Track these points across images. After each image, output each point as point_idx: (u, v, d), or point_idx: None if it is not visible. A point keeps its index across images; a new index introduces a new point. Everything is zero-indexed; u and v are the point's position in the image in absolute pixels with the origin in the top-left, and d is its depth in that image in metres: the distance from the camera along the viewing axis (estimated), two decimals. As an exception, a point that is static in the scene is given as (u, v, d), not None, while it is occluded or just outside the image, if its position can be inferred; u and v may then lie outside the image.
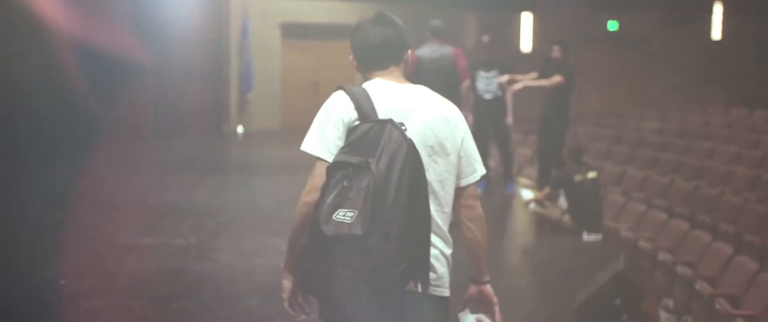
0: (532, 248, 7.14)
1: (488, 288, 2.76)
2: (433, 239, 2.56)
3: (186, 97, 13.64)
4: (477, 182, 2.71)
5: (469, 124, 2.62)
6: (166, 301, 5.09)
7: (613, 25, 16.97)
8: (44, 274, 5.57)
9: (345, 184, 2.38)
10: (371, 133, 2.47)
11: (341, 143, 2.51)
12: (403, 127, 2.49)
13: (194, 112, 13.65)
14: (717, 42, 16.94)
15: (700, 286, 6.33)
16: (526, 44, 16.47)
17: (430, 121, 2.61)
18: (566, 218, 7.33)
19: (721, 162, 10.62)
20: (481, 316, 2.71)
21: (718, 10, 16.65)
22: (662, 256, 7.10)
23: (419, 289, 2.51)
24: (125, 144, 11.98)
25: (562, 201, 7.61)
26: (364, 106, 2.55)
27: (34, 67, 9.34)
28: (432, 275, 2.56)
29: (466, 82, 7.39)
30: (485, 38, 9.36)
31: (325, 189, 2.42)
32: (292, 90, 15.38)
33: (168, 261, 5.97)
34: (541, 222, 7.52)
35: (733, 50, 16.62)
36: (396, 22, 2.81)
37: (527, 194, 7.93)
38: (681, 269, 6.62)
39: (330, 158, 2.51)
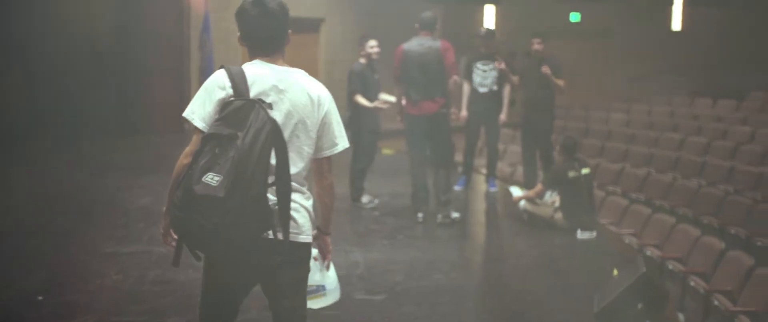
0: (526, 247, 6.96)
1: (327, 239, 3.34)
2: (295, 196, 2.99)
3: (147, 94, 13.25)
4: (331, 157, 3.15)
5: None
6: (156, 316, 4.80)
7: (575, 17, 16.96)
8: (20, 288, 5.26)
9: (216, 151, 2.78)
10: (242, 110, 2.86)
11: (216, 116, 2.89)
12: (269, 108, 2.90)
13: (155, 109, 13.25)
14: (677, 33, 17.03)
15: (695, 282, 6.27)
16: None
17: (297, 101, 3.00)
18: (559, 215, 7.18)
19: (693, 154, 10.63)
20: (318, 256, 3.36)
21: (678, 1, 16.73)
22: (651, 251, 7.04)
23: (280, 237, 2.93)
24: (87, 143, 11.58)
25: (548, 197, 7.46)
26: (239, 86, 2.94)
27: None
28: (294, 226, 3.01)
29: (454, 78, 7.13)
30: (483, 30, 9.16)
31: (198, 154, 2.81)
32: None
33: (151, 271, 5.67)
34: (533, 220, 7.35)
35: (693, 41, 16.73)
36: (276, 9, 3.06)
37: (516, 191, 7.75)
38: (682, 273, 6.53)
39: (205, 128, 2.91)
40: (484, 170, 9.49)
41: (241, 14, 3.07)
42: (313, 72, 13.82)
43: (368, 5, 15.54)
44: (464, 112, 8.53)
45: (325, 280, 3.42)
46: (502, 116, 8.73)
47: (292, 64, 12.13)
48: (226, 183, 2.72)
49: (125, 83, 13.26)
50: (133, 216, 7.35)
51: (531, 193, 7.46)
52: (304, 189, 3.09)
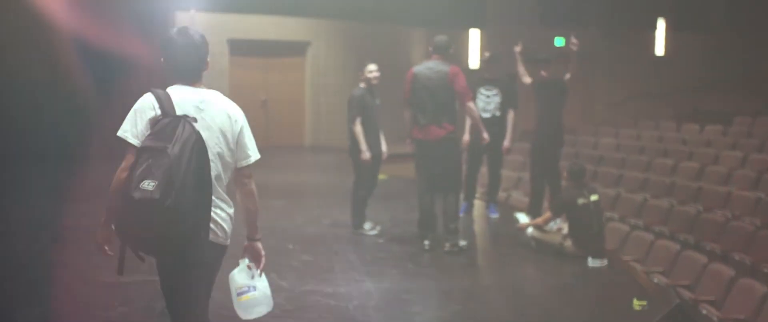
0: (539, 276, 6.83)
1: (258, 245, 3.69)
2: (218, 202, 3.46)
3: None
4: (250, 165, 3.57)
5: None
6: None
7: (559, 42, 16.97)
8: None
9: (150, 162, 3.17)
10: (170, 126, 3.26)
11: (147, 132, 3.30)
12: (194, 122, 3.31)
13: (141, 133, 13.04)
14: (661, 57, 17.12)
15: (707, 311, 6.19)
16: (473, 61, 16.33)
17: (216, 118, 3.45)
18: (568, 243, 7.06)
19: (687, 179, 10.61)
20: (251, 264, 3.68)
21: (661, 26, 16.83)
22: (659, 278, 6.96)
23: (207, 238, 3.37)
24: (73, 167, 11.29)
25: (554, 224, 7.35)
26: (165, 105, 3.36)
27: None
28: (216, 229, 3.46)
29: (469, 104, 7.03)
30: (487, 55, 9.05)
31: (134, 166, 3.22)
32: (241, 109, 14.88)
33: (158, 301, 5.43)
34: (541, 248, 7.23)
35: (677, 65, 16.81)
36: (199, 40, 3.55)
37: (523, 218, 7.63)
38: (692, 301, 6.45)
39: (138, 143, 3.31)
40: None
41: (168, 43, 3.50)
42: (298, 96, 13.74)
43: (355, 29, 15.47)
44: (467, 137, 8.42)
45: (255, 281, 3.71)
46: (506, 143, 8.62)
47: (278, 88, 12.05)
48: (161, 187, 3.11)
49: (109, 108, 13.03)
50: (128, 244, 7.12)
51: (539, 220, 7.34)
52: (227, 197, 3.55)
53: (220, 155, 3.44)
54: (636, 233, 8.39)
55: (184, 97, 3.42)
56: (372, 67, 7.67)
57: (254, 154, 3.60)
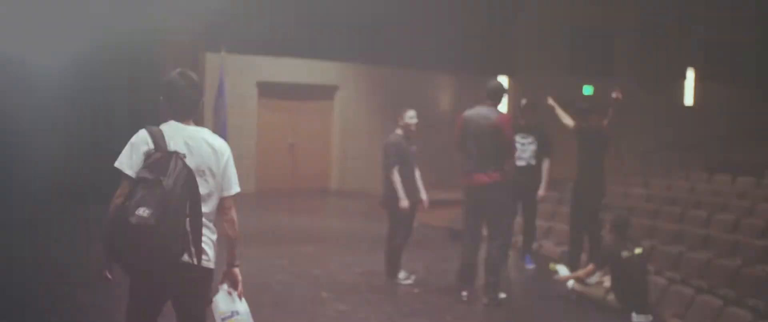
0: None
1: (236, 270, 3.99)
2: (205, 231, 3.77)
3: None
4: (231, 196, 3.89)
5: None
6: None
7: (588, 90, 16.92)
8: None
9: (145, 192, 3.50)
10: (163, 160, 3.62)
11: (142, 165, 3.63)
12: (184, 158, 3.66)
13: (169, 175, 12.96)
14: (689, 107, 17.00)
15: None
16: (502, 107, 16.25)
17: (204, 153, 3.79)
18: (611, 297, 6.88)
19: (723, 231, 10.41)
20: (231, 289, 3.97)
21: (690, 76, 16.74)
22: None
23: (194, 262, 3.70)
24: (94, 207, 11.20)
25: (593, 277, 7.18)
26: (159, 142, 3.71)
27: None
28: (204, 254, 3.77)
29: (545, 160, 6.88)
30: (523, 102, 8.89)
31: (132, 194, 3.53)
32: (268, 152, 14.82)
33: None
34: (583, 301, 7.05)
35: (706, 116, 16.68)
36: (196, 83, 3.90)
37: (563, 271, 7.47)
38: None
39: (133, 175, 3.64)
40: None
41: (170, 84, 3.82)
42: (325, 139, 13.55)
43: (383, 74, 15.46)
44: None
45: (237, 306, 3.98)
46: (541, 191, 8.48)
47: (306, 131, 11.90)
48: (156, 214, 3.45)
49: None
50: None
51: (581, 273, 7.17)
52: (211, 225, 3.87)
53: (206, 186, 3.78)
54: (675, 287, 8.19)
55: (175, 134, 3.78)
56: (411, 113, 7.57)
57: (236, 188, 3.93)
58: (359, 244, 9.76)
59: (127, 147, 3.73)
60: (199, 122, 4.04)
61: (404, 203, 7.33)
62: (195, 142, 3.76)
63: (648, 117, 16.69)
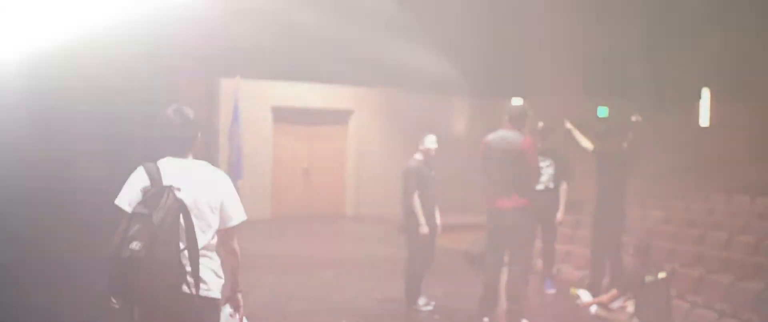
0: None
1: (238, 296, 4.17)
2: (204, 261, 3.87)
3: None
4: (233, 227, 3.97)
5: None
6: None
7: (602, 112, 16.84)
8: None
9: (138, 226, 3.66)
10: (156, 195, 3.76)
11: (139, 199, 3.77)
12: (178, 191, 3.78)
13: (184, 202, 12.96)
14: (705, 128, 16.88)
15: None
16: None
17: (200, 185, 3.89)
18: (635, 322, 6.81)
19: (744, 253, 10.29)
20: (233, 312, 4.14)
21: (705, 96, 16.64)
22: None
23: (193, 291, 3.79)
24: (106, 234, 11.18)
25: (618, 302, 7.09)
26: (154, 177, 3.85)
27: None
28: (204, 284, 3.86)
29: (562, 183, 6.80)
30: (541, 125, 8.82)
31: (126, 229, 3.68)
32: (283, 177, 14.80)
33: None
34: (608, 327, 6.98)
35: (722, 136, 16.55)
36: (192, 119, 4.01)
37: (585, 296, 7.38)
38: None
39: (129, 210, 3.78)
40: None
41: (165, 122, 3.95)
42: (340, 164, 13.51)
43: (397, 98, 15.45)
44: None
45: None
46: (560, 215, 8.41)
47: (320, 156, 11.88)
48: (146, 247, 3.59)
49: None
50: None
51: (604, 298, 7.09)
52: (213, 255, 3.97)
53: (203, 219, 3.89)
54: (698, 311, 8.08)
55: (172, 168, 3.91)
56: (431, 137, 7.54)
57: (238, 217, 4.00)
58: (377, 270, 9.70)
59: (126, 184, 3.92)
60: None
61: (424, 229, 7.28)
62: (192, 175, 3.88)
63: (663, 138, 16.57)
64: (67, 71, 11.04)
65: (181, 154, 3.94)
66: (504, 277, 6.97)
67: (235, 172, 13.79)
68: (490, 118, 16.62)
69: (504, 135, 6.81)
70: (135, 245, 3.58)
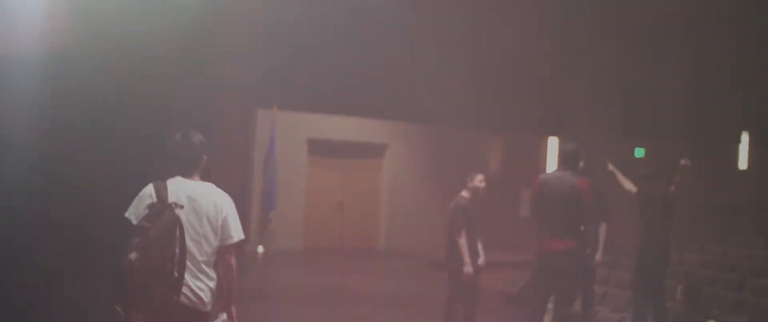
0: None
1: (232, 309, 4.30)
2: (199, 275, 4.15)
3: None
4: (232, 244, 4.25)
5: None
6: None
7: (639, 153, 16.67)
8: None
9: (139, 239, 3.95)
10: (158, 211, 4.07)
11: (145, 214, 4.07)
12: (180, 208, 4.10)
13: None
14: (744, 171, 16.64)
15: None
16: (551, 169, 16.06)
17: (204, 204, 4.20)
18: (681, 371, 6.61)
19: (786, 301, 10.05)
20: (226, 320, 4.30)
21: (745, 140, 16.42)
22: None
23: (181, 300, 4.06)
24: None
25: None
26: (161, 193, 4.16)
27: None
28: (195, 297, 4.13)
29: (602, 224, 6.65)
30: (581, 164, 8.67)
31: (129, 241, 3.96)
32: (316, 209, 14.76)
33: None
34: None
35: (761, 180, 16.31)
36: (196, 141, 4.33)
37: (627, 340, 7.21)
38: None
39: (136, 222, 4.09)
40: None
41: (172, 144, 4.30)
42: (375, 198, 13.35)
43: (433, 133, 15.39)
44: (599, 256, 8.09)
45: None
46: (598, 256, 8.26)
47: (355, 191, 11.87)
48: (141, 259, 3.88)
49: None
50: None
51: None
52: (209, 271, 4.21)
53: (204, 236, 4.18)
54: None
55: (179, 188, 4.23)
56: (480, 176, 7.50)
57: (237, 235, 4.28)
58: (413, 307, 9.57)
59: (136, 199, 4.26)
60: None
61: (469, 268, 7.18)
62: (197, 195, 4.21)
63: (702, 181, 16.33)
64: (107, 102, 11.10)
65: (188, 174, 4.26)
66: (547, 318, 6.83)
67: (269, 202, 13.79)
68: (526, 156, 16.55)
69: (560, 176, 6.70)
70: (133, 256, 3.88)
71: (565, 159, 6.77)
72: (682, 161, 7.97)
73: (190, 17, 10.02)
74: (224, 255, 4.24)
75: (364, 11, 13.16)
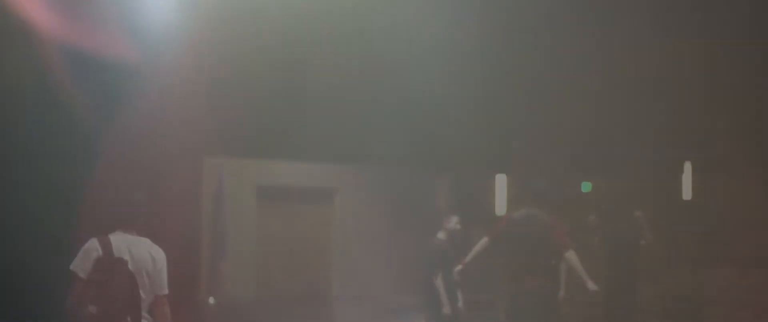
0: None
1: None
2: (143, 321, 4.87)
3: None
4: (165, 294, 5.09)
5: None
6: None
7: (586, 187, 16.81)
8: None
9: (94, 291, 4.46)
10: (108, 265, 4.60)
11: (91, 267, 4.64)
12: (127, 264, 4.76)
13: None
14: (688, 201, 16.89)
15: None
16: (500, 207, 16.08)
17: (143, 259, 4.90)
18: None
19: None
20: None
21: (687, 170, 16.68)
22: None
23: None
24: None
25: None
26: (106, 248, 4.73)
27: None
28: None
29: (567, 253, 6.67)
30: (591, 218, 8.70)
31: (84, 294, 4.55)
32: (267, 257, 14.49)
33: None
34: None
35: (706, 210, 16.54)
36: (138, 200, 5.05)
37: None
38: None
39: (85, 277, 4.64)
40: None
41: (114, 198, 4.89)
42: (325, 246, 13.19)
43: (385, 175, 15.30)
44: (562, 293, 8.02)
45: None
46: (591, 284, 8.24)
47: (304, 239, 11.87)
48: (102, 310, 4.34)
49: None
50: None
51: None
52: (150, 318, 4.87)
53: (143, 286, 4.85)
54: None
55: (121, 242, 4.84)
56: (455, 218, 7.56)
57: (166, 288, 5.03)
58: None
59: (81, 253, 4.81)
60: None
61: (447, 309, 7.17)
62: (136, 250, 4.90)
63: (649, 213, 16.53)
64: (43, 149, 10.77)
65: (127, 228, 4.95)
66: None
67: (218, 252, 13.49)
68: (471, 196, 16.52)
69: (524, 212, 6.76)
70: (93, 309, 4.47)
71: (533, 196, 6.83)
72: (591, 217, 8.14)
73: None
74: (159, 305, 5.00)
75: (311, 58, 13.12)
